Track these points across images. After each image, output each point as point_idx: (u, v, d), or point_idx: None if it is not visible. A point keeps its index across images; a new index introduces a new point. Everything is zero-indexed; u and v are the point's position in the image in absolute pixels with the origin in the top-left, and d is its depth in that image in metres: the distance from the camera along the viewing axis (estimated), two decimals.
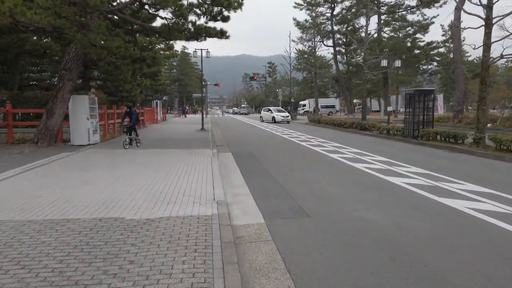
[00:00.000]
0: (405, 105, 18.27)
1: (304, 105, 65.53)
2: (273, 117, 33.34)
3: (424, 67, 57.80)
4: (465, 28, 14.18)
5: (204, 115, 33.35)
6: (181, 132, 21.69)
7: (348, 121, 25.43)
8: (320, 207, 6.12)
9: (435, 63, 57.90)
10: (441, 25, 60.25)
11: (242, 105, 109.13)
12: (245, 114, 76.61)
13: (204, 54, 25.69)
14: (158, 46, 38.29)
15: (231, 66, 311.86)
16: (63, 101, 13.16)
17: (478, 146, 13.10)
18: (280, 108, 40.36)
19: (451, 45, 57.15)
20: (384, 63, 22.51)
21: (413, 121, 16.94)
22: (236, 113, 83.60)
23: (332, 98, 70.50)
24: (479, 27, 13.46)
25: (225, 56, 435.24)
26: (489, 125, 21.46)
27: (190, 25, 14.55)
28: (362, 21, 48.42)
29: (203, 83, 36.98)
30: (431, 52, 44.60)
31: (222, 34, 14.77)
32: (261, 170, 9.55)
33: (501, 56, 13.32)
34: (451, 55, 57.87)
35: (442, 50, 54.96)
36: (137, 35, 24.37)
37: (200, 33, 14.88)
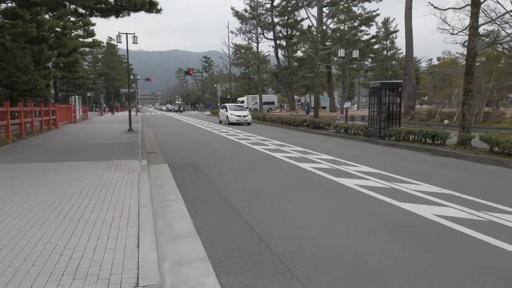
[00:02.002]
0: (369, 100, 16.13)
1: (243, 102, 62.66)
2: (227, 117, 27.30)
3: (361, 62, 58.25)
4: (445, 9, 12.26)
5: (134, 113, 29.10)
6: (103, 135, 17.52)
7: (298, 119, 23.03)
8: None
9: (369, 60, 58.54)
10: (375, 22, 61.26)
11: (177, 102, 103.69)
12: (177, 111, 70.56)
13: (130, 40, 21.45)
14: (75, 33, 32.87)
15: (164, 61, 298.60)
16: None
17: (465, 148, 11.15)
18: (239, 105, 33.65)
19: (385, 42, 58.55)
20: (341, 53, 20.49)
21: (379, 119, 14.80)
22: (170, 110, 78.68)
23: (270, 94, 68.64)
24: (464, 7, 11.59)
25: (157, 51, 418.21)
26: (445, 121, 20.36)
27: None
28: (303, 13, 46.80)
29: (131, 77, 32.49)
30: (374, 47, 44.24)
31: (151, 6, 11.21)
32: (215, 198, 6.36)
33: (494, 41, 11.59)
34: (385, 52, 59.26)
35: (376, 46, 55.61)
36: (45, 15, 19.84)
37: (121, 5, 11.19)
